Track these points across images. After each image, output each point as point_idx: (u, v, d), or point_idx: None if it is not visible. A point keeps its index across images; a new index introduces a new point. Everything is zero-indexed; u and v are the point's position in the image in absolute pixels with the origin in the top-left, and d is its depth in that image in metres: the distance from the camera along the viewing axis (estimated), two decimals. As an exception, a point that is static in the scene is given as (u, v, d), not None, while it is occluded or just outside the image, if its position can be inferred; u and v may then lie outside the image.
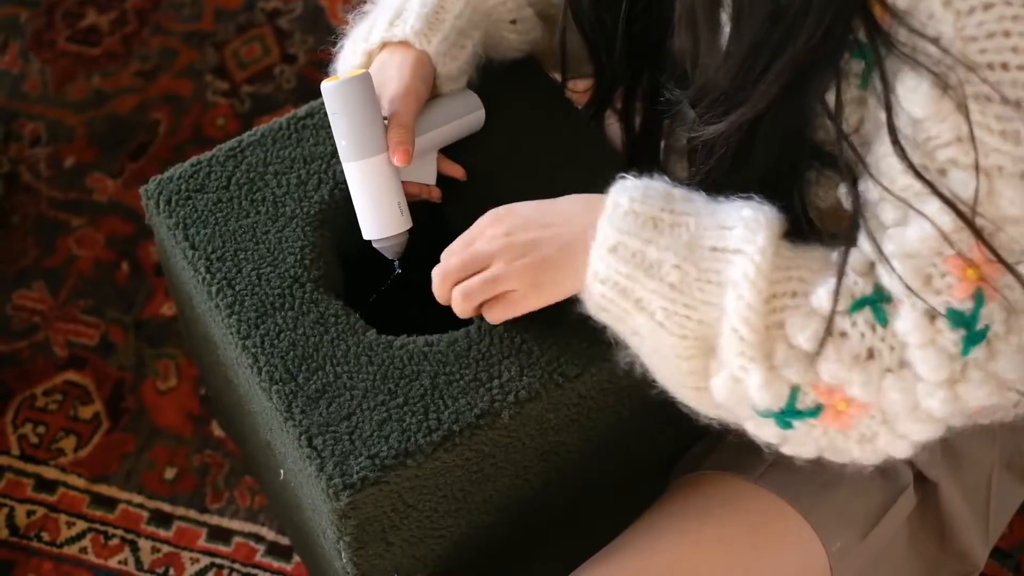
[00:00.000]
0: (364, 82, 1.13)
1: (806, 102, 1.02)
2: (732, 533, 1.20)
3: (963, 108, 0.93)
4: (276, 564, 1.54)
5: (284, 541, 1.54)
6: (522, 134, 1.26)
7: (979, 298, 0.96)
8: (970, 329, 0.96)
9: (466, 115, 1.22)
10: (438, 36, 1.19)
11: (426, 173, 1.20)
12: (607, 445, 1.21)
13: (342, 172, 1.23)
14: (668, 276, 1.01)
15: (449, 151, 1.24)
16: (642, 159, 1.24)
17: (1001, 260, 0.95)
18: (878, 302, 0.99)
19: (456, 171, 1.23)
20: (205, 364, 1.42)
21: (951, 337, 0.96)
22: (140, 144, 1.86)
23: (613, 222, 1.03)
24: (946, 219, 0.95)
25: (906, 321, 0.97)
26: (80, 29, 1.99)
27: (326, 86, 1.14)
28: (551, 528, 1.26)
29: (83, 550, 1.55)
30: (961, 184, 0.95)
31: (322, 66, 1.91)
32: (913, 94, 0.95)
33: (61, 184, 1.83)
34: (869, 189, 1.01)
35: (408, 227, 1.17)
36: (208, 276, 1.18)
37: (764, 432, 1.04)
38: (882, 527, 1.21)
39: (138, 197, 1.26)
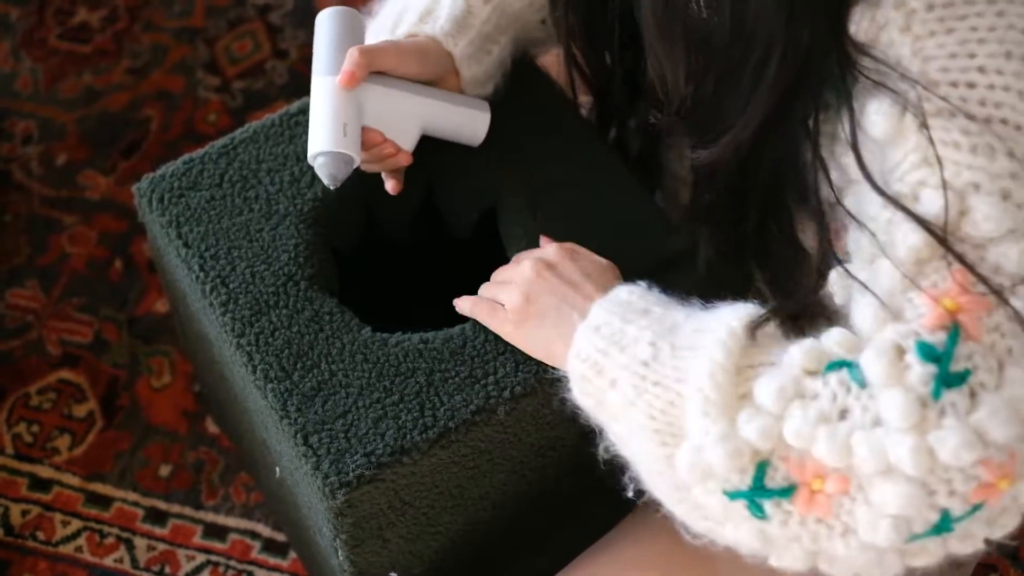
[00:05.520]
0: (349, 15, 1.17)
1: (793, 130, 1.01)
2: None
3: (926, 127, 0.91)
4: (272, 560, 1.54)
5: (280, 537, 1.54)
6: (522, 136, 1.25)
7: (954, 332, 0.88)
8: (943, 367, 0.88)
9: (467, 108, 1.20)
10: (464, 40, 1.18)
11: (399, 133, 1.16)
12: (603, 440, 1.21)
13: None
14: (641, 353, 0.98)
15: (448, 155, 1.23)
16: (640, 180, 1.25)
17: (978, 276, 0.89)
18: (856, 366, 0.91)
19: (403, 158, 1.18)
20: (200, 361, 1.42)
21: (920, 373, 0.88)
22: (132, 141, 1.86)
23: (605, 306, 1.02)
24: (918, 243, 0.91)
25: (873, 362, 0.90)
26: (71, 27, 1.98)
27: (320, 14, 1.17)
28: (548, 522, 1.26)
29: (78, 549, 1.55)
30: (931, 204, 0.91)
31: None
32: (875, 116, 0.93)
33: (53, 182, 1.82)
34: (853, 240, 0.98)
35: (346, 151, 1.12)
36: (202, 274, 1.17)
37: (743, 532, 0.96)
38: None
39: (131, 194, 1.25)
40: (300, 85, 1.89)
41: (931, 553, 0.92)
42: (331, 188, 1.13)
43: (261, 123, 1.27)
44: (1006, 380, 0.88)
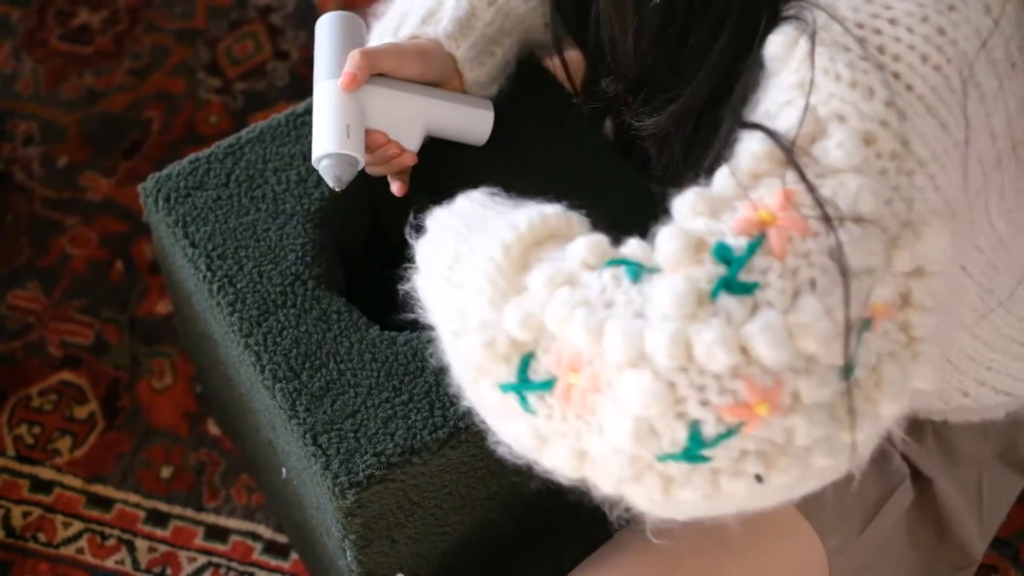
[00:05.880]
0: (350, 19, 1.18)
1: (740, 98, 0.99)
2: (729, 530, 1.20)
3: (813, 54, 0.88)
4: (273, 562, 1.53)
5: (281, 539, 1.54)
6: (526, 136, 1.25)
7: (757, 240, 0.83)
8: (731, 271, 0.82)
9: (471, 107, 1.20)
10: (468, 41, 1.19)
11: (403, 133, 1.16)
12: (610, 441, 1.20)
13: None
14: (448, 257, 0.95)
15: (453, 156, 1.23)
16: (633, 155, 1.25)
17: (816, 197, 0.84)
18: (638, 264, 0.86)
19: (408, 158, 1.18)
20: (203, 362, 1.42)
21: (708, 270, 0.83)
22: (133, 142, 1.85)
23: (436, 216, 0.99)
24: (759, 151, 0.87)
25: (668, 240, 0.85)
26: (72, 28, 1.98)
27: (320, 19, 1.18)
28: (554, 525, 1.26)
29: (80, 550, 1.55)
30: (787, 119, 0.87)
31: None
32: (773, 38, 0.91)
33: (54, 183, 1.82)
34: None
35: (349, 152, 1.12)
36: (209, 274, 1.17)
37: (521, 429, 0.90)
38: (880, 520, 1.21)
39: (132, 196, 1.25)
40: (301, 86, 1.89)
41: (697, 486, 0.84)
42: (336, 190, 1.13)
43: (267, 123, 1.27)
44: (797, 307, 0.81)
